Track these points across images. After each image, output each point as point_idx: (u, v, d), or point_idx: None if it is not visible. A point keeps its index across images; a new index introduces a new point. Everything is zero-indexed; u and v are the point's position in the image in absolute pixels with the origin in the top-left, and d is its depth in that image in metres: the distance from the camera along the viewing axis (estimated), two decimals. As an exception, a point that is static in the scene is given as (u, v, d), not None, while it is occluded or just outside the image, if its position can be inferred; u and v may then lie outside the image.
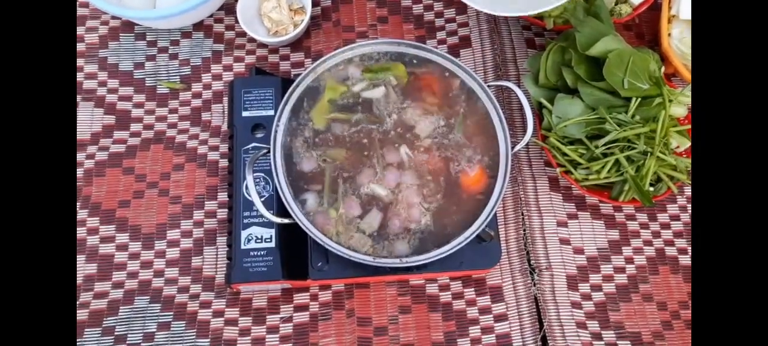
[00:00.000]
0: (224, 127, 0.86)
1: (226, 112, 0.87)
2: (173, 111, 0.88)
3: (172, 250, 0.80)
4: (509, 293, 0.79)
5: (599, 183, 0.78)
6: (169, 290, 0.78)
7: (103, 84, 0.88)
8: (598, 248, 0.82)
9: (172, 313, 0.76)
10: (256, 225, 0.73)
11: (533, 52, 0.92)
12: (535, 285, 0.80)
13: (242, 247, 0.72)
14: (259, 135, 0.77)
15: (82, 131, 0.85)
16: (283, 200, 0.70)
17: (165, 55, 0.91)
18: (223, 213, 0.81)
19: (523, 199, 0.84)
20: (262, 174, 0.75)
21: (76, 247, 0.79)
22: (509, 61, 0.92)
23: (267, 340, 0.76)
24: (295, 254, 0.74)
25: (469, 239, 0.70)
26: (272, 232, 0.72)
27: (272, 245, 0.72)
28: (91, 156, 0.84)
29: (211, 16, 0.93)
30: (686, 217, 0.85)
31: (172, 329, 0.76)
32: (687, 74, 0.82)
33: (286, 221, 0.69)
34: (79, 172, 0.83)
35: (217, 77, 0.90)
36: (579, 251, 0.82)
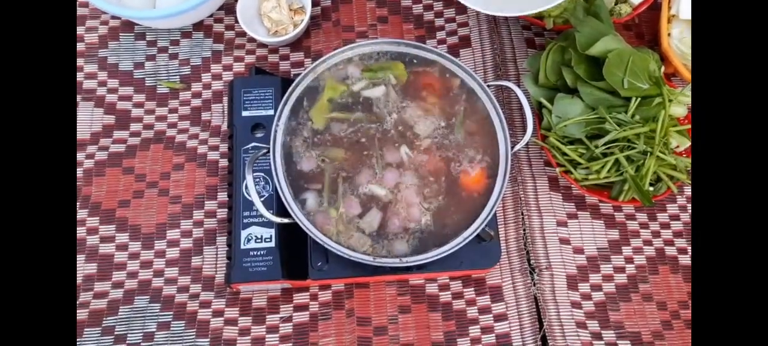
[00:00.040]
0: (224, 126, 0.86)
1: (225, 112, 0.87)
2: (173, 111, 0.88)
3: (172, 250, 0.80)
4: (509, 293, 0.79)
5: (599, 183, 0.78)
6: (169, 289, 0.78)
7: (103, 84, 0.88)
8: (597, 248, 0.82)
9: (171, 313, 0.76)
10: (256, 225, 0.73)
11: (533, 51, 0.92)
12: (534, 285, 0.80)
13: (242, 247, 0.72)
14: (259, 135, 0.77)
15: (82, 131, 0.85)
16: (283, 199, 0.70)
17: (165, 55, 0.91)
18: (222, 213, 0.81)
19: (522, 198, 0.84)
20: (262, 174, 0.75)
21: (76, 247, 0.79)
22: (509, 61, 0.92)
23: (267, 340, 0.76)
24: (295, 253, 0.74)
25: (468, 239, 0.70)
26: (272, 232, 0.72)
27: (272, 244, 0.72)
28: (90, 156, 0.84)
29: (211, 15, 0.93)
30: (686, 216, 0.85)
31: (171, 328, 0.76)
32: (687, 74, 0.82)
33: (285, 220, 0.69)
34: (79, 171, 0.83)
35: (217, 77, 0.90)
36: (579, 250, 0.82)
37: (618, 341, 0.77)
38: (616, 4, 0.89)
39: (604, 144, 0.75)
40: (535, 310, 0.78)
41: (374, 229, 0.71)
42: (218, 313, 0.77)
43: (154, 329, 0.75)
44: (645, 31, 0.94)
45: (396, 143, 0.75)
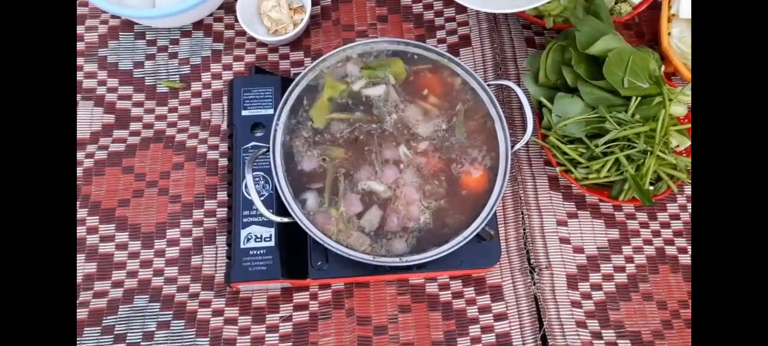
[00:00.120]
0: (224, 126, 0.86)
1: (225, 111, 0.87)
2: (173, 110, 0.88)
3: (172, 249, 0.80)
4: (509, 292, 0.79)
5: (599, 182, 0.77)
6: (169, 289, 0.78)
7: (102, 83, 0.88)
8: (598, 247, 0.82)
9: (171, 312, 0.76)
10: (256, 224, 0.73)
11: (533, 51, 0.92)
12: (534, 284, 0.80)
13: (242, 246, 0.72)
14: (259, 134, 0.77)
15: (82, 130, 0.85)
16: (283, 199, 0.70)
17: (165, 54, 0.91)
18: (222, 212, 0.81)
19: (522, 198, 0.84)
20: (262, 173, 0.75)
21: (76, 246, 0.79)
22: (509, 60, 0.92)
23: (266, 339, 0.76)
24: (295, 253, 0.74)
25: (468, 238, 0.70)
26: (272, 231, 0.72)
27: (272, 243, 0.72)
28: (90, 155, 0.84)
29: (210, 14, 0.93)
30: (686, 216, 0.85)
31: (171, 327, 0.76)
32: (687, 73, 0.82)
33: (285, 219, 0.69)
34: (79, 171, 0.83)
35: (217, 76, 0.90)
36: (579, 250, 0.82)
37: (618, 341, 0.77)
38: (616, 3, 0.89)
39: (604, 143, 0.75)
40: (535, 309, 0.78)
41: (374, 227, 0.71)
42: (218, 312, 0.77)
43: (154, 329, 0.75)
44: (645, 30, 0.94)
45: (396, 142, 0.75)
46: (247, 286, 0.75)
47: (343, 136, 0.74)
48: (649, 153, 0.75)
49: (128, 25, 0.92)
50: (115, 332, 0.75)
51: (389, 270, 0.75)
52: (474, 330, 0.77)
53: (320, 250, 0.73)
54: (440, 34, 0.94)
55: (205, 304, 0.77)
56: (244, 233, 0.72)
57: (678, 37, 0.84)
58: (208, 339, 0.75)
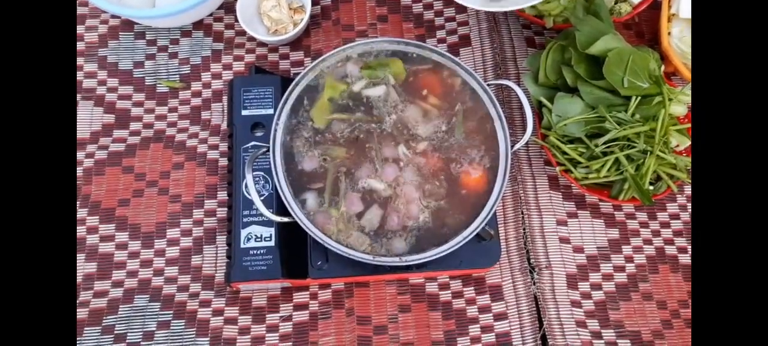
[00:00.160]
0: (224, 125, 0.86)
1: (225, 111, 0.87)
2: (173, 110, 0.88)
3: (172, 249, 0.80)
4: (509, 292, 0.79)
5: (599, 182, 0.78)
6: (169, 288, 0.78)
7: (102, 83, 0.88)
8: (597, 247, 0.82)
9: (171, 312, 0.76)
10: (256, 224, 0.73)
11: (533, 50, 0.92)
12: (534, 284, 0.80)
13: (242, 246, 0.72)
14: (259, 134, 0.77)
15: (82, 130, 0.85)
16: (283, 198, 0.70)
17: (164, 54, 0.91)
18: (222, 212, 0.81)
19: (522, 197, 0.84)
20: (262, 173, 0.75)
21: (76, 245, 0.79)
22: (509, 60, 0.92)
23: (267, 339, 0.76)
24: (295, 252, 0.74)
25: (468, 238, 0.70)
26: (272, 231, 0.72)
27: (272, 243, 0.72)
28: (90, 155, 0.84)
29: (210, 14, 0.93)
30: (686, 216, 0.85)
31: (171, 327, 0.76)
32: (687, 73, 0.82)
33: (285, 219, 0.69)
34: (79, 171, 0.83)
35: (217, 76, 0.90)
36: (579, 249, 0.82)
37: (618, 340, 0.77)
38: (616, 3, 0.89)
39: (604, 143, 0.75)
40: (534, 309, 0.78)
41: (374, 227, 0.71)
42: (218, 312, 0.77)
43: (154, 328, 0.75)
44: (645, 30, 0.94)
45: (396, 142, 0.75)
46: (247, 285, 0.75)
47: (344, 136, 0.75)
48: (648, 153, 0.75)
49: (128, 24, 0.92)
50: (115, 332, 0.75)
51: (389, 270, 0.75)
52: (474, 330, 0.77)
53: (320, 250, 0.73)
54: (440, 34, 0.94)
55: (205, 304, 0.77)
56: (244, 232, 0.72)
57: (678, 37, 0.84)
58: (208, 339, 0.75)
